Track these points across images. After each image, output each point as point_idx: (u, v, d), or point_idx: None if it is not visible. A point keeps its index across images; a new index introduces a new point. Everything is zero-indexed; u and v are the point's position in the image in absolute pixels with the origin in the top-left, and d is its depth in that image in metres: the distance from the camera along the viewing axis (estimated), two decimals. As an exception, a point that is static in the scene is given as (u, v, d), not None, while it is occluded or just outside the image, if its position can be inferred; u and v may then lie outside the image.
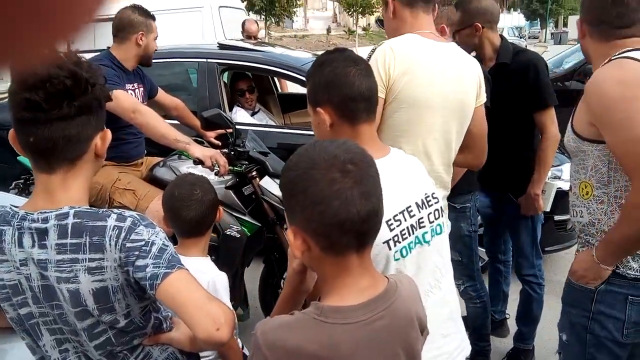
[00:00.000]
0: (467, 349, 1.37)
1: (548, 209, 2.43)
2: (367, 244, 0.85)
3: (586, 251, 1.51)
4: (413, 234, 1.17)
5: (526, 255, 2.52)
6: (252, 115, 3.79)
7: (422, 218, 1.19)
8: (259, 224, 2.40)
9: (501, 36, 2.36)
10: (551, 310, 2.95)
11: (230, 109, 3.68)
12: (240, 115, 3.66)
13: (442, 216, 1.25)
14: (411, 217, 1.17)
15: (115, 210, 1.04)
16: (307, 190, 0.80)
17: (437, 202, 1.24)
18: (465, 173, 2.02)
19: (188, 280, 0.99)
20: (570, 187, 1.59)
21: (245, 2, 31.50)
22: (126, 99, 2.29)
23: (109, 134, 1.09)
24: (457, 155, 1.76)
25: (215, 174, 2.11)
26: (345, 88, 1.16)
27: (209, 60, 3.51)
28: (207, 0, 6.63)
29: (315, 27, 43.14)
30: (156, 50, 2.65)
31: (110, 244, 0.98)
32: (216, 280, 1.54)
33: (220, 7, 6.80)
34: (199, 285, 1.00)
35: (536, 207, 2.36)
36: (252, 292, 2.78)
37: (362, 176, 0.81)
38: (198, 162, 2.12)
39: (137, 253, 0.98)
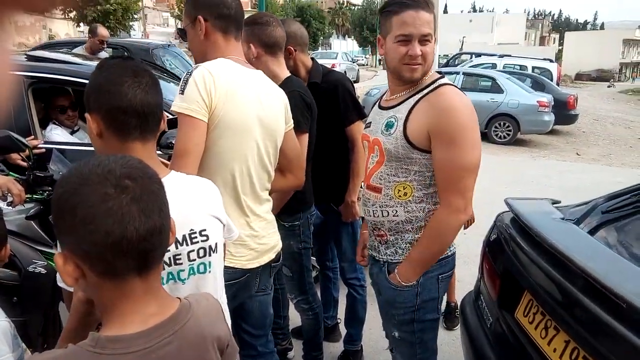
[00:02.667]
0: None
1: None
2: (151, 265, 0.80)
3: (392, 275, 1.69)
4: (163, 269, 1.13)
5: (349, 259, 2.70)
6: (72, 133, 3.46)
7: (179, 255, 1.16)
8: None
9: (312, 58, 2.51)
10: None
11: (44, 127, 3.31)
12: (56, 134, 3.30)
13: (210, 255, 1.22)
14: None
15: None
16: (76, 208, 0.73)
17: (206, 240, 1.20)
18: (295, 192, 2.09)
19: None
20: (377, 189, 1.69)
21: (74, 13, 29.16)
22: None
23: None
24: (278, 179, 1.81)
25: (9, 205, 1.84)
26: (115, 98, 1.10)
27: (14, 73, 3.12)
28: None
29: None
30: None
31: None
32: None
33: None
34: None
35: (354, 213, 2.55)
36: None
37: (142, 192, 0.76)
38: None
39: None
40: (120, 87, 1.09)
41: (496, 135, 10.47)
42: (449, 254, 1.71)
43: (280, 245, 1.86)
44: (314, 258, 3.10)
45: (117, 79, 1.10)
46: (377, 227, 1.75)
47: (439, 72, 1.74)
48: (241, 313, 1.83)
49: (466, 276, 3.45)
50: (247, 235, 1.67)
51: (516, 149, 10.21)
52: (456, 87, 1.64)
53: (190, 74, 1.50)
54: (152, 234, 0.76)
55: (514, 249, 1.76)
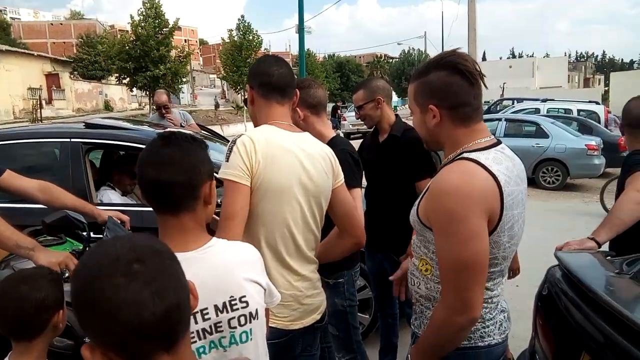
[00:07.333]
0: None
1: None
2: (177, 339, 0.79)
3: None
4: (205, 338, 1.13)
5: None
6: (124, 194, 3.63)
7: (219, 322, 1.16)
8: None
9: (396, 115, 2.69)
10: None
11: (97, 189, 3.50)
12: (107, 197, 3.48)
13: (250, 322, 1.20)
14: (205, 320, 1.13)
15: None
16: (92, 304, 0.73)
17: (246, 306, 1.19)
18: None
19: None
20: (411, 255, 1.61)
21: (128, 79, 31.23)
22: None
23: None
24: (337, 244, 1.84)
25: (65, 280, 1.92)
26: (152, 173, 1.16)
27: (72, 140, 3.36)
28: None
29: (204, 103, 43.54)
30: None
31: None
32: None
33: None
34: None
35: None
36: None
37: (154, 273, 0.75)
38: None
39: None
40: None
41: (544, 180, 10.16)
42: (481, 344, 1.40)
43: (325, 305, 1.83)
44: (360, 315, 3.07)
45: (154, 155, 1.19)
46: (411, 292, 1.63)
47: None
48: (286, 374, 1.79)
49: (520, 332, 3.25)
50: (290, 295, 1.66)
51: (567, 194, 9.83)
52: (477, 162, 1.31)
53: (235, 142, 1.60)
54: (170, 312, 0.75)
55: (567, 305, 1.67)
